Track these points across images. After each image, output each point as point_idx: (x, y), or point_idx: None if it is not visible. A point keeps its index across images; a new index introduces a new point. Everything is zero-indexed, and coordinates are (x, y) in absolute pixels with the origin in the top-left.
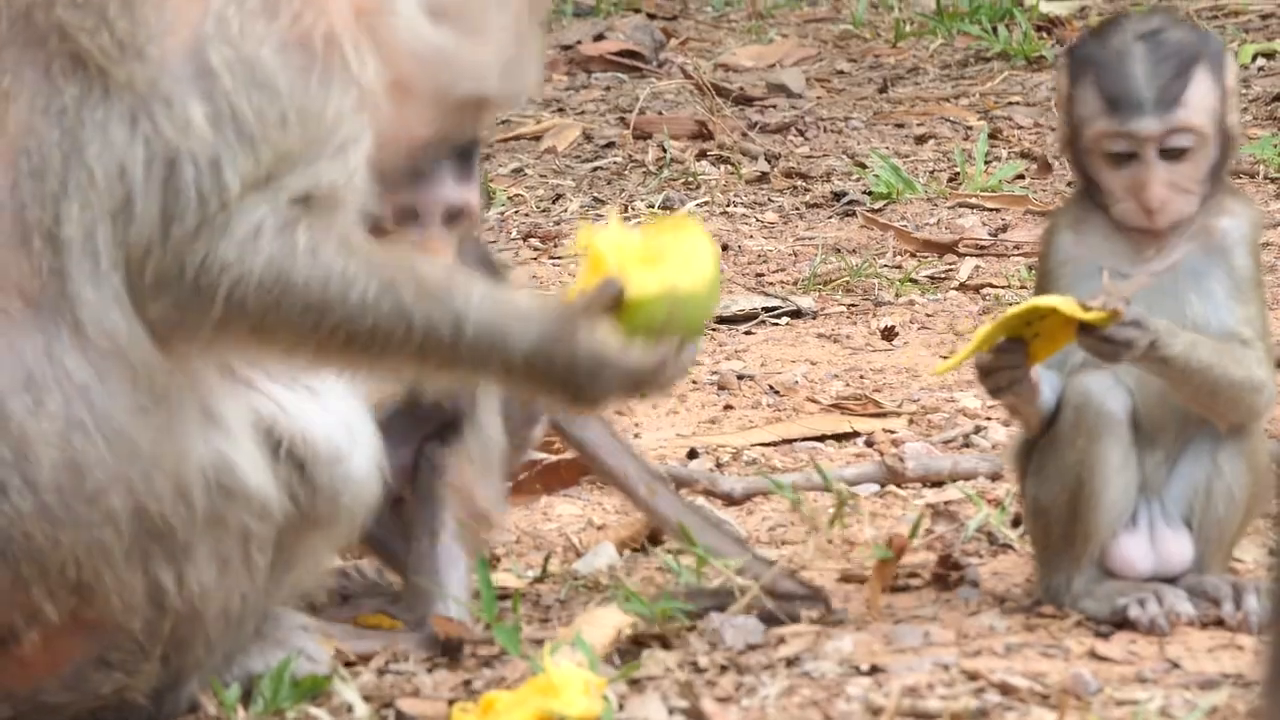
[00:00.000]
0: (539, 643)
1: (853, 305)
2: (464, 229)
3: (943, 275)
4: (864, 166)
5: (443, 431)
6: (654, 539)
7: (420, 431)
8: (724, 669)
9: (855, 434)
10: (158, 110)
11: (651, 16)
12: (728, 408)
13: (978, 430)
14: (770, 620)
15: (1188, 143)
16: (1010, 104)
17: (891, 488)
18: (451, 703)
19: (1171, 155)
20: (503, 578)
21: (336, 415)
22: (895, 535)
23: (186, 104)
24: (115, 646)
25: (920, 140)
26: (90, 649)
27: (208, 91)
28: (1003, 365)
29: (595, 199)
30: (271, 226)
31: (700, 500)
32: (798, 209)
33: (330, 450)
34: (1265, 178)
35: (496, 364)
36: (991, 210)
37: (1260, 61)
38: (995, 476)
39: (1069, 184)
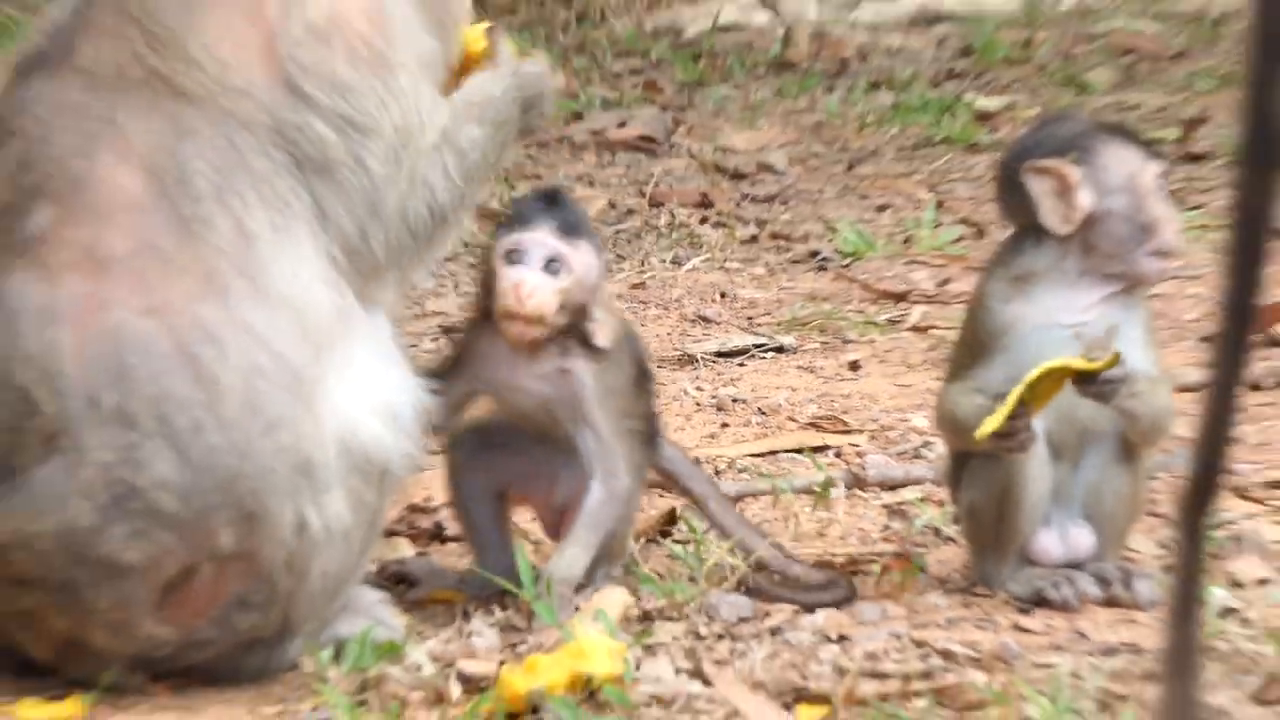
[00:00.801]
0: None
1: (825, 343)
2: (572, 286)
3: (898, 319)
4: (835, 230)
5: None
6: (664, 533)
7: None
8: (720, 637)
9: (827, 447)
10: (288, 132)
11: (664, 108)
12: (724, 425)
13: (925, 445)
14: (757, 598)
15: None
16: (952, 180)
17: (856, 491)
18: (501, 664)
19: None
20: (541, 561)
21: (414, 400)
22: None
23: (308, 123)
24: (256, 588)
25: (880, 209)
26: (240, 587)
27: (316, 109)
28: (1021, 429)
29: (618, 255)
30: (427, 165)
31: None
32: (781, 264)
33: (414, 431)
34: None
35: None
36: (937, 266)
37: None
38: (939, 483)
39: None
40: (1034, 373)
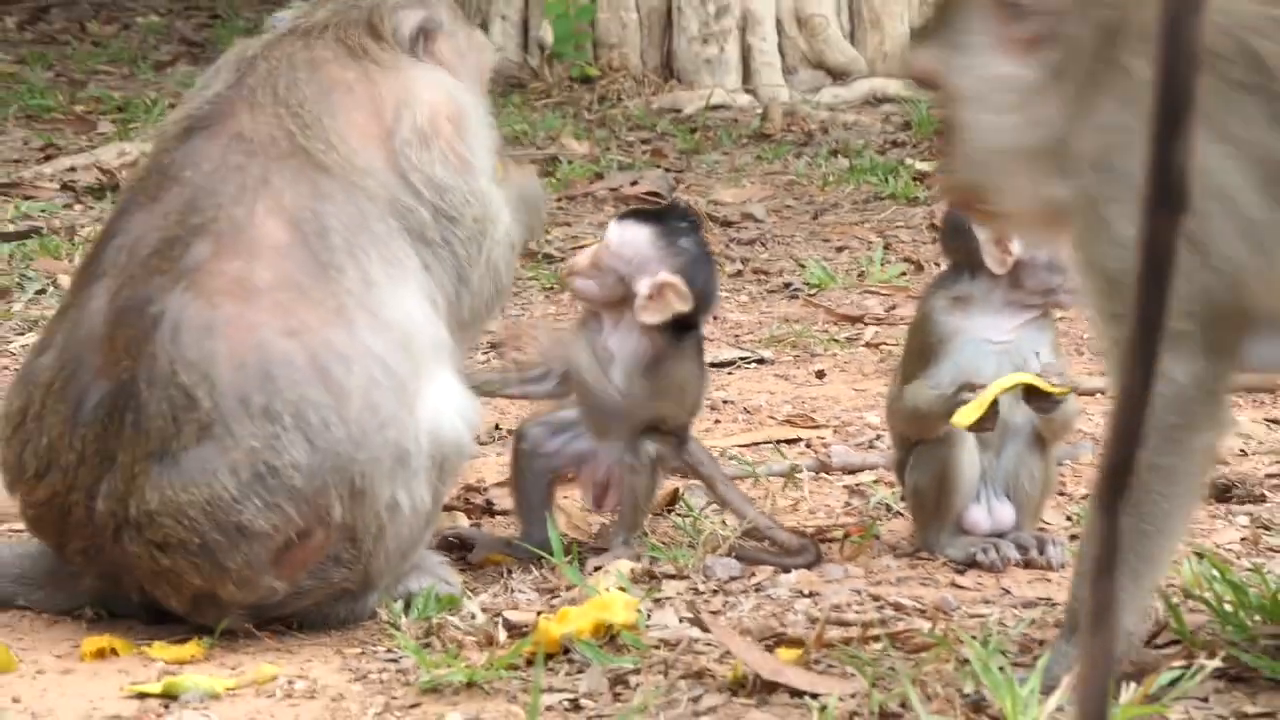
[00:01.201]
0: (592, 573)
1: (797, 356)
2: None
3: (854, 337)
4: (803, 266)
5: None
6: (669, 508)
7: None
8: (715, 593)
9: (799, 439)
10: (400, 209)
11: (667, 170)
12: (716, 422)
13: (878, 437)
14: (745, 561)
15: None
16: (897, 228)
17: (822, 474)
18: (539, 614)
19: None
20: (571, 532)
21: (477, 407)
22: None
23: (414, 207)
24: (349, 550)
25: (839, 250)
26: (337, 549)
27: (419, 198)
28: (991, 416)
29: None
30: (497, 252)
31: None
32: (761, 293)
33: (475, 430)
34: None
35: None
36: (885, 295)
37: None
38: (889, 468)
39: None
40: (1008, 381)
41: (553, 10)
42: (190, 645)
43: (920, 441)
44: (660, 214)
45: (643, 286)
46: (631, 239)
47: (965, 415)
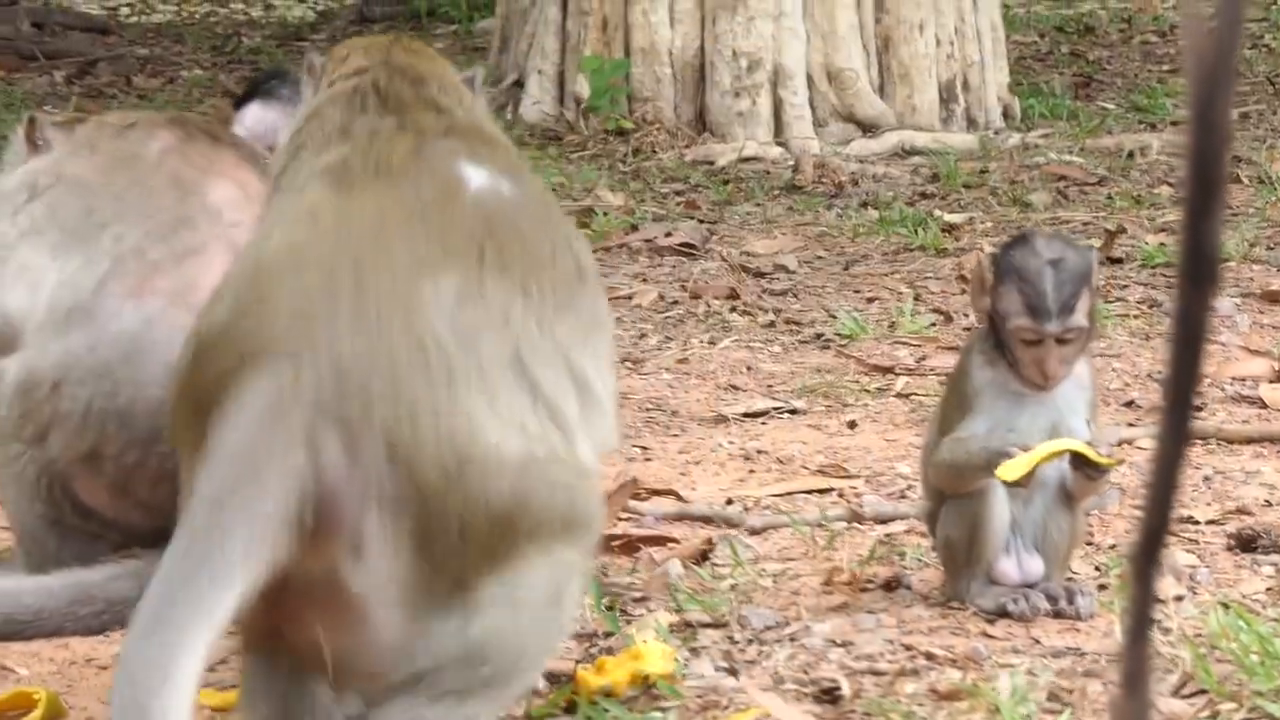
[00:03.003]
0: (629, 621)
1: (829, 406)
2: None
3: (885, 388)
4: (835, 317)
5: None
6: (705, 557)
7: None
8: (750, 641)
9: (832, 489)
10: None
11: (701, 221)
12: (750, 472)
13: (909, 487)
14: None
15: (1074, 335)
16: (926, 278)
17: (854, 524)
18: (577, 663)
19: (1063, 342)
20: (607, 583)
21: None
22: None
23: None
24: None
25: (870, 300)
26: None
27: None
28: (1030, 474)
29: (666, 337)
30: None
31: (733, 531)
32: (793, 344)
33: None
34: None
35: None
36: (915, 346)
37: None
38: (920, 519)
39: (965, 329)
40: (1059, 445)
41: (589, 65)
42: (236, 692)
43: (952, 494)
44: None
45: None
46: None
47: (1010, 470)
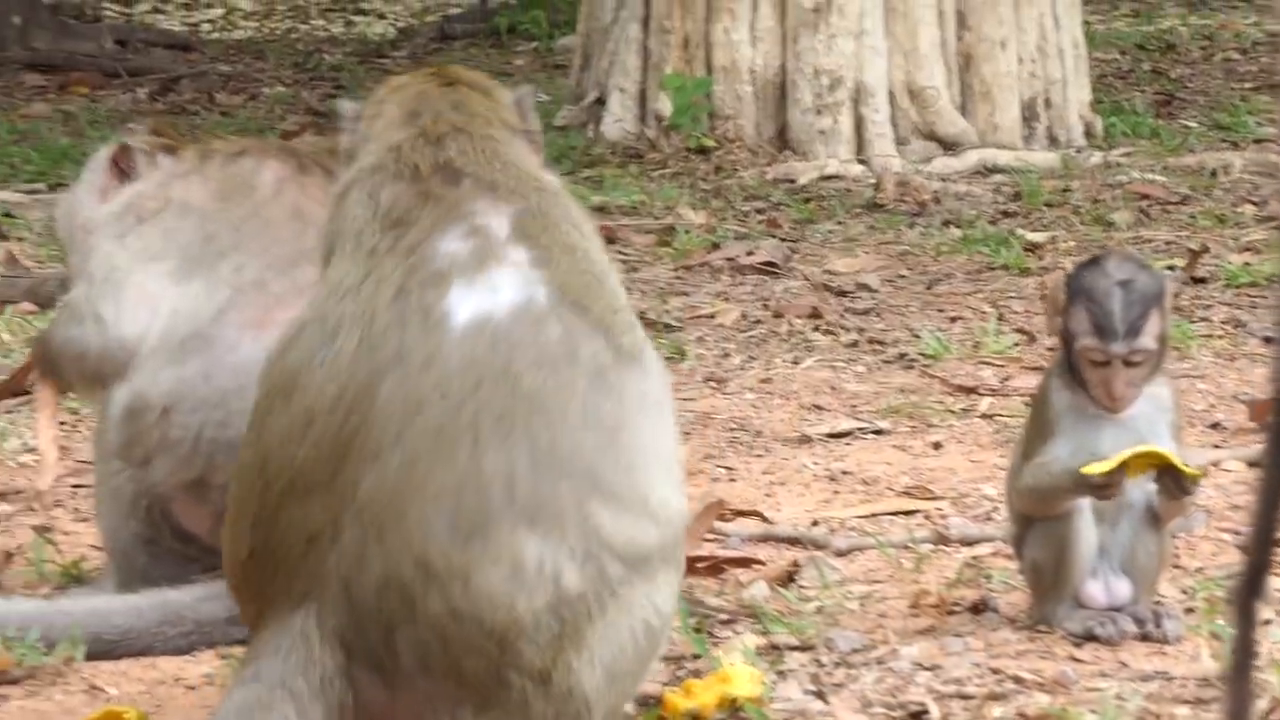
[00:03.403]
0: (716, 644)
1: (913, 427)
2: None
3: (969, 408)
4: (919, 337)
5: None
6: (790, 579)
7: None
8: (837, 665)
9: (917, 511)
10: None
11: (782, 240)
12: (835, 493)
13: (995, 509)
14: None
15: (1142, 358)
16: (1009, 298)
17: (940, 547)
18: (664, 686)
19: (1131, 364)
20: (694, 604)
21: None
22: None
23: None
24: None
25: (953, 320)
26: None
27: None
28: (1115, 482)
29: (749, 356)
30: None
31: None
32: (877, 364)
33: None
34: (1172, 348)
35: None
36: (1000, 366)
37: (1166, 272)
38: (1007, 542)
39: (1049, 349)
40: (1142, 447)
41: (671, 83)
42: None
43: (1038, 518)
44: None
45: None
46: None
47: (1095, 467)
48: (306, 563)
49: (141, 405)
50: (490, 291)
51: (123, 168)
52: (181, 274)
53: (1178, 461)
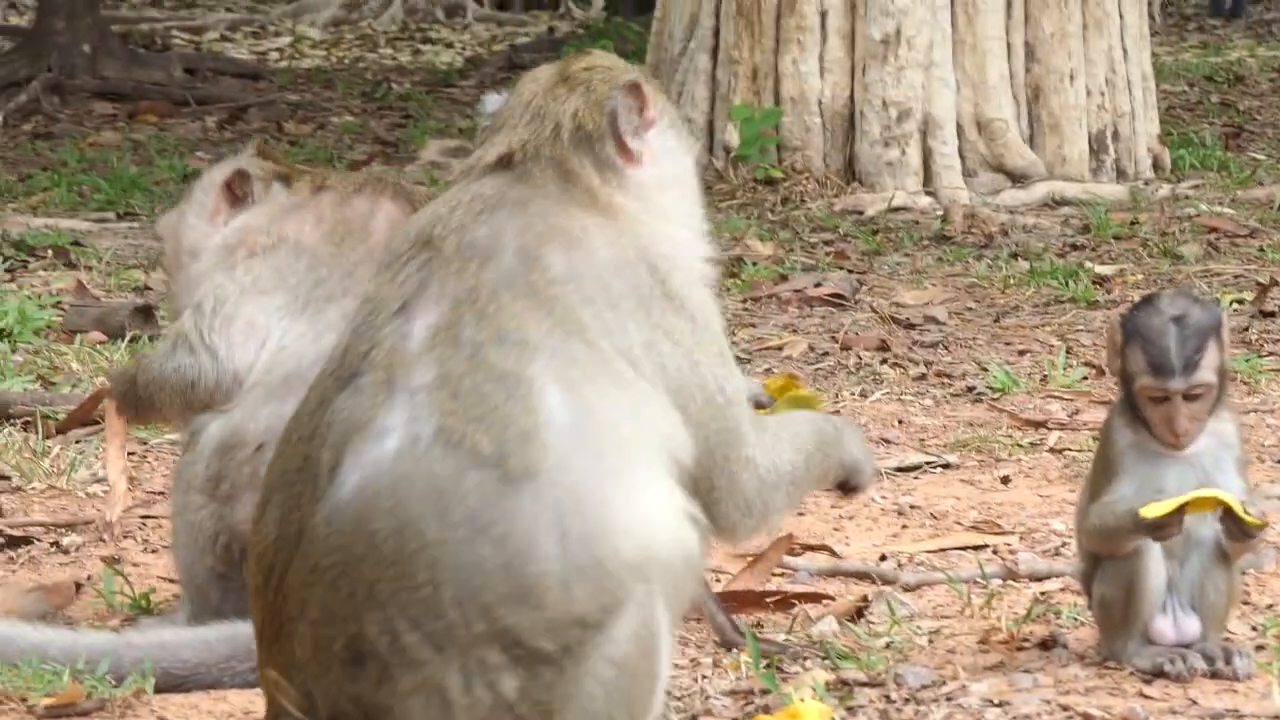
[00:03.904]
0: (786, 679)
1: (982, 461)
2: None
3: (1038, 442)
4: (986, 370)
5: None
6: (860, 614)
7: None
8: (906, 701)
9: (986, 546)
10: None
11: (850, 272)
12: (904, 527)
13: (1064, 545)
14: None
15: (1201, 392)
16: (1078, 331)
17: (1009, 582)
18: None
19: (1190, 399)
20: (764, 640)
21: None
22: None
23: None
24: None
25: (1021, 353)
26: None
27: None
28: (1174, 523)
29: (816, 389)
30: None
31: (887, 588)
32: (945, 397)
33: None
34: (1240, 381)
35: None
36: (1068, 400)
37: (1235, 306)
38: (1076, 578)
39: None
40: (1204, 491)
41: (739, 114)
42: None
43: (1106, 556)
44: None
45: None
46: None
47: (1153, 509)
48: (280, 648)
49: (237, 440)
50: (378, 437)
51: (236, 193)
52: (289, 312)
53: (1238, 508)
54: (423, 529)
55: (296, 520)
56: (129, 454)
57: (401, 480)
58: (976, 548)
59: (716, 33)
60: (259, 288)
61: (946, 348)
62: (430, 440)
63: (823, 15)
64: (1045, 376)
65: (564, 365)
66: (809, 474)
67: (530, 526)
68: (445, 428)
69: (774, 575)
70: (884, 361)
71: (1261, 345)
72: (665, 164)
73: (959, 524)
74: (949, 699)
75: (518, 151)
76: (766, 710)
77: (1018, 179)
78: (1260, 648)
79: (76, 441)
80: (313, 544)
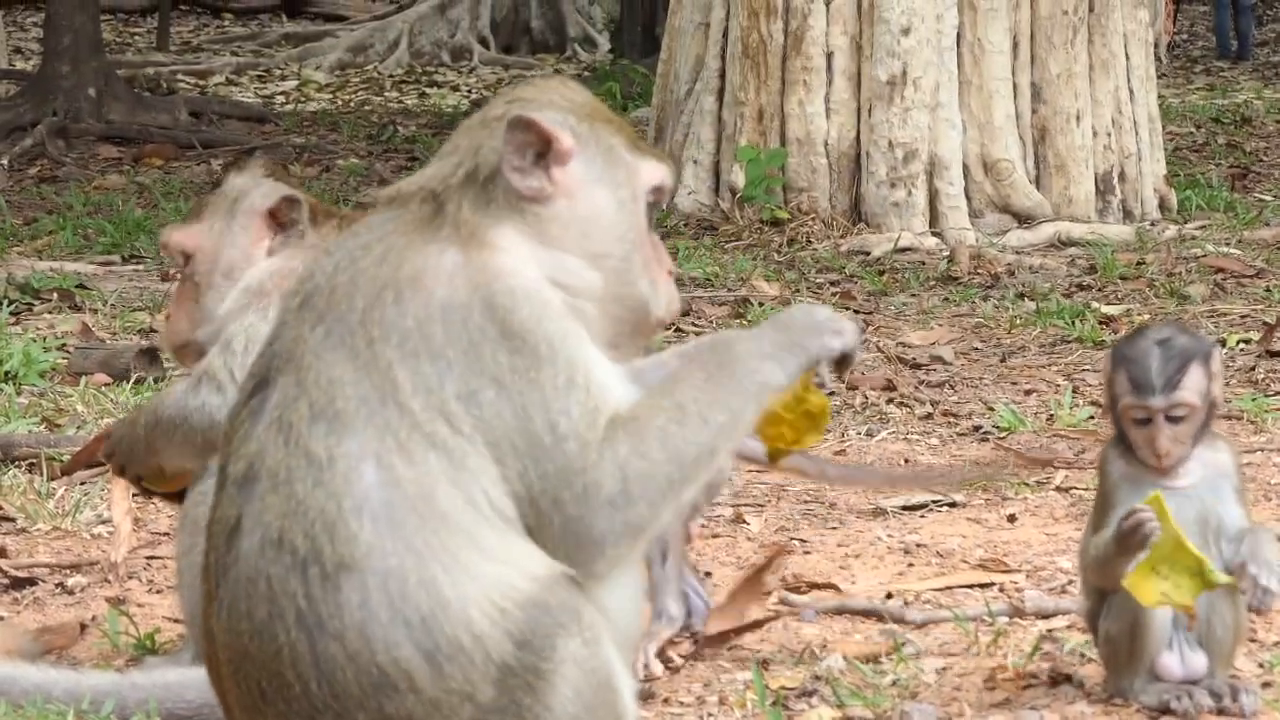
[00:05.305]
0: (792, 717)
1: (988, 499)
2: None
3: (1044, 481)
4: (993, 409)
5: None
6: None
7: None
8: None
9: (992, 584)
10: None
11: (856, 312)
12: (910, 565)
13: (1070, 582)
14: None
15: (1183, 413)
16: (1084, 371)
17: (1016, 620)
18: None
19: (1173, 420)
20: (770, 677)
21: None
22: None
23: None
24: None
25: (1027, 393)
26: None
27: None
28: (1143, 520)
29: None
30: None
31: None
32: (951, 436)
33: None
34: (1247, 420)
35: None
36: (1074, 439)
37: (1241, 345)
38: (1082, 615)
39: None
40: (1184, 544)
41: (745, 155)
42: None
43: (1110, 590)
44: None
45: None
46: None
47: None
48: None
49: None
50: (242, 535)
51: (281, 221)
52: None
53: (1207, 568)
54: (275, 632)
55: (209, 617)
56: (133, 495)
57: (249, 584)
58: (983, 585)
59: (722, 74)
60: None
61: (953, 387)
62: (264, 539)
63: (829, 56)
64: (1051, 416)
65: (376, 437)
66: (698, 441)
67: (363, 618)
68: (270, 525)
69: (779, 613)
70: (890, 401)
71: (1268, 385)
72: (583, 196)
73: (965, 562)
74: None
75: (406, 189)
76: None
77: (1024, 219)
78: (1267, 684)
79: (81, 483)
80: (215, 642)
